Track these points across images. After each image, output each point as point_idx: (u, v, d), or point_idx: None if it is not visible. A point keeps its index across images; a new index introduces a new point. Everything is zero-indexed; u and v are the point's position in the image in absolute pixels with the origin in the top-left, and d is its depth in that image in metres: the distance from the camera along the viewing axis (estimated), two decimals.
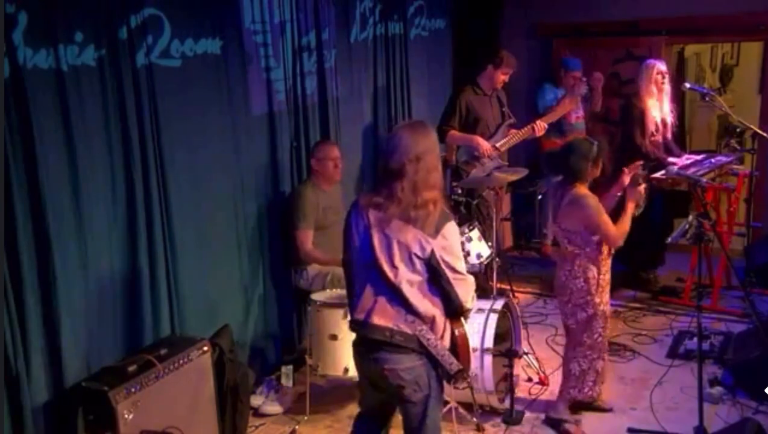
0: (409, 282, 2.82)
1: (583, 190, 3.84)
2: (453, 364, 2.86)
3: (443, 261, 2.81)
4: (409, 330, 2.83)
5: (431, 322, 2.86)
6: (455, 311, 2.90)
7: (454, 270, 2.84)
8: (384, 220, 2.84)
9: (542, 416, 4.22)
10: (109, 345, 3.65)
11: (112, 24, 3.58)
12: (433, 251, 2.80)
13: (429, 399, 2.92)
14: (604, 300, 3.95)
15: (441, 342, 2.86)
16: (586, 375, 4.03)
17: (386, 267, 2.83)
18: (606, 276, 3.94)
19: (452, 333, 2.92)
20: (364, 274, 2.90)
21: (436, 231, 2.80)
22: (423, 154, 2.83)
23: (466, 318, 3.00)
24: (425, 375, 2.89)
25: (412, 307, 2.83)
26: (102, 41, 3.53)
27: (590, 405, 4.17)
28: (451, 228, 2.86)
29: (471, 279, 2.93)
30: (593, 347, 3.99)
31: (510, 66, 5.44)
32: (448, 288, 2.84)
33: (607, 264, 3.94)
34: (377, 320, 2.86)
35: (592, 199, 3.81)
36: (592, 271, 3.87)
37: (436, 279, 2.84)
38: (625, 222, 3.84)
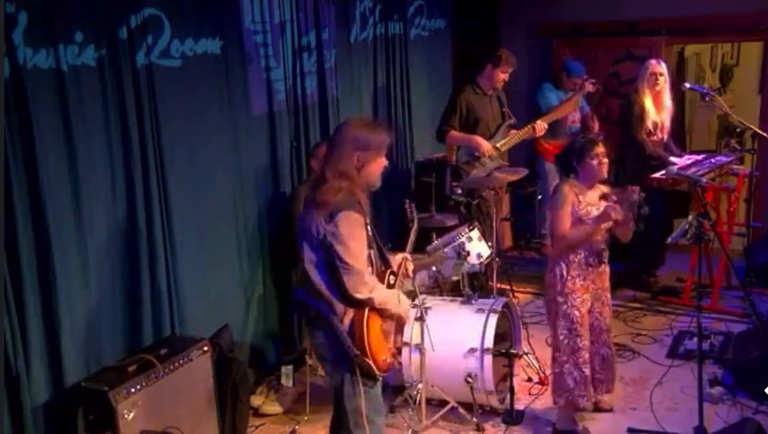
0: (310, 260, 3.00)
1: (566, 181, 3.79)
2: (350, 348, 2.97)
3: (332, 247, 2.91)
4: (317, 307, 3.01)
5: (331, 302, 2.98)
6: (348, 299, 2.96)
7: (340, 258, 2.90)
8: (307, 200, 3.05)
9: (542, 416, 4.22)
10: (109, 345, 3.65)
11: (112, 24, 3.58)
12: (325, 235, 2.91)
13: (343, 384, 3.05)
14: (571, 302, 3.81)
15: (341, 325, 2.98)
16: (562, 379, 3.91)
17: (301, 245, 3.02)
18: (577, 281, 3.81)
19: (353, 318, 2.99)
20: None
21: (330, 218, 2.90)
22: (340, 143, 2.98)
23: (375, 310, 3.03)
24: (338, 356, 3.02)
25: (315, 286, 3.00)
26: (102, 41, 3.53)
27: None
28: (346, 217, 2.90)
29: (362, 272, 2.94)
30: (560, 349, 3.89)
31: (509, 64, 5.43)
32: (338, 274, 2.93)
33: (581, 270, 3.81)
34: (303, 295, 3.08)
35: (563, 192, 3.75)
36: (560, 268, 3.82)
37: (331, 262, 2.94)
38: (580, 233, 3.73)
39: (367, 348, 2.99)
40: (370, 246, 3.04)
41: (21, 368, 3.19)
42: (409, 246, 3.62)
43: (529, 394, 4.48)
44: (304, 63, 4.91)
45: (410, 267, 3.39)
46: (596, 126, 6.42)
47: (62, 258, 3.36)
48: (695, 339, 3.81)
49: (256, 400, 4.36)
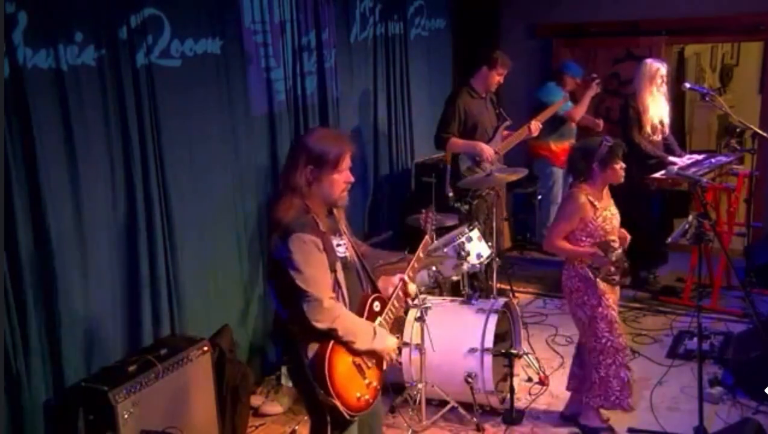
0: (271, 282, 2.80)
1: (581, 189, 3.74)
2: (316, 387, 2.66)
3: (287, 273, 2.64)
4: (284, 334, 2.77)
5: (286, 326, 2.74)
6: (309, 328, 2.64)
7: (295, 285, 2.62)
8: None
9: (542, 416, 4.22)
10: (109, 345, 3.66)
11: (112, 24, 3.58)
12: (280, 260, 2.65)
13: (318, 424, 2.75)
14: (605, 302, 3.79)
15: (305, 357, 2.69)
16: (607, 383, 3.86)
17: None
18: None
19: (316, 350, 2.69)
20: None
21: (281, 239, 2.64)
22: (293, 155, 2.76)
23: (342, 343, 2.70)
24: (303, 390, 2.78)
25: (279, 310, 2.78)
26: (102, 41, 3.53)
27: None
28: (298, 241, 2.61)
29: (321, 299, 2.62)
30: (603, 352, 3.82)
31: (504, 66, 5.40)
32: (296, 304, 2.64)
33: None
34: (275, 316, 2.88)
35: (578, 202, 3.70)
36: (586, 271, 3.79)
37: (285, 286, 2.67)
38: (567, 253, 3.77)
39: (331, 387, 2.65)
40: (333, 269, 2.71)
41: (21, 368, 3.20)
42: (414, 262, 3.16)
43: (529, 394, 4.47)
44: (304, 63, 4.91)
45: (411, 289, 3.00)
46: (601, 124, 6.43)
47: (62, 258, 3.36)
48: (695, 339, 3.82)
49: (256, 400, 4.36)
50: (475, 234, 4.66)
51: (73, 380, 3.41)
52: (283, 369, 4.48)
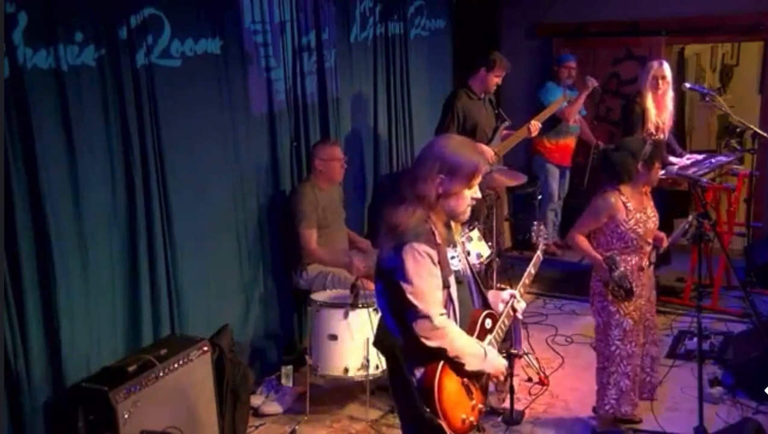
0: (380, 292, 2.57)
1: (614, 192, 3.64)
2: (419, 405, 2.49)
3: (397, 285, 2.43)
4: (390, 345, 2.59)
5: (399, 344, 2.53)
6: (418, 345, 2.45)
7: (405, 298, 2.42)
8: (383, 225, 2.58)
9: (542, 416, 4.22)
10: (109, 345, 3.65)
11: (112, 24, 3.58)
12: (392, 270, 2.45)
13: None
14: (623, 310, 3.72)
15: (413, 376, 2.51)
16: (605, 390, 3.83)
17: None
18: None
19: (425, 370, 2.50)
20: None
21: (395, 250, 2.44)
22: (424, 160, 2.53)
23: (452, 363, 2.51)
24: (405, 407, 2.59)
25: (385, 325, 2.59)
26: (102, 41, 3.53)
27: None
28: (412, 251, 2.41)
29: (431, 316, 2.42)
30: (610, 358, 3.78)
31: (503, 68, 5.40)
32: (405, 318, 2.45)
33: (634, 276, 3.69)
34: (379, 331, 2.70)
35: (610, 202, 3.63)
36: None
37: (396, 299, 2.47)
38: (584, 251, 3.74)
39: (439, 408, 2.47)
40: (446, 285, 2.52)
41: (21, 368, 3.20)
42: (525, 279, 3.09)
43: (529, 394, 4.47)
44: (304, 63, 4.91)
45: (520, 306, 2.82)
46: (600, 145, 6.43)
47: (62, 258, 3.36)
48: (695, 339, 3.82)
49: (256, 400, 4.36)
50: (475, 234, 4.66)
51: (73, 380, 3.41)
52: (284, 369, 4.49)
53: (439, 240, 2.49)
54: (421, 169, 2.50)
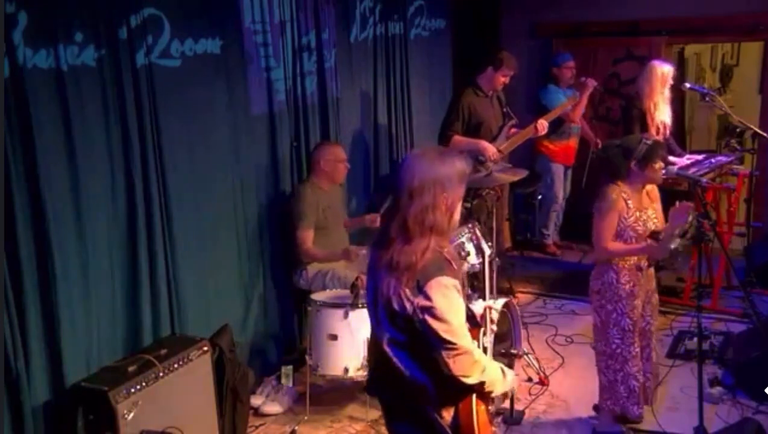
0: (392, 340, 2.35)
1: (613, 187, 3.63)
2: None
3: (428, 326, 2.25)
4: (398, 394, 2.42)
5: (424, 391, 2.34)
6: (451, 385, 2.31)
7: (440, 338, 2.24)
8: (376, 262, 2.37)
9: (542, 416, 4.22)
10: (109, 345, 3.65)
11: (112, 24, 3.58)
12: (415, 311, 2.26)
13: None
14: (621, 309, 3.71)
15: (440, 418, 2.35)
16: (614, 388, 3.81)
17: (373, 320, 2.43)
18: (627, 287, 3.70)
19: (456, 408, 2.38)
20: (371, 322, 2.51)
21: (418, 288, 2.25)
22: (421, 190, 2.29)
23: (481, 395, 2.40)
24: None
25: (398, 370, 2.35)
26: (102, 41, 3.53)
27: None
28: (439, 286, 2.24)
29: (471, 350, 2.30)
30: (612, 357, 3.77)
31: (510, 68, 5.42)
32: (438, 358, 2.27)
33: (632, 275, 3.70)
34: (377, 375, 2.56)
35: (611, 198, 3.61)
36: (609, 276, 3.71)
37: (425, 344, 2.29)
38: (621, 252, 3.64)
39: None
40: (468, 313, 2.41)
41: (21, 368, 3.19)
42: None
43: (529, 394, 4.48)
44: (304, 63, 4.91)
45: (494, 317, 2.77)
46: (599, 144, 6.43)
47: (62, 258, 3.36)
48: (695, 339, 3.81)
49: (256, 400, 4.36)
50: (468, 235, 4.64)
51: (73, 380, 3.40)
52: (284, 369, 4.50)
53: (456, 267, 2.35)
54: (421, 201, 2.30)
